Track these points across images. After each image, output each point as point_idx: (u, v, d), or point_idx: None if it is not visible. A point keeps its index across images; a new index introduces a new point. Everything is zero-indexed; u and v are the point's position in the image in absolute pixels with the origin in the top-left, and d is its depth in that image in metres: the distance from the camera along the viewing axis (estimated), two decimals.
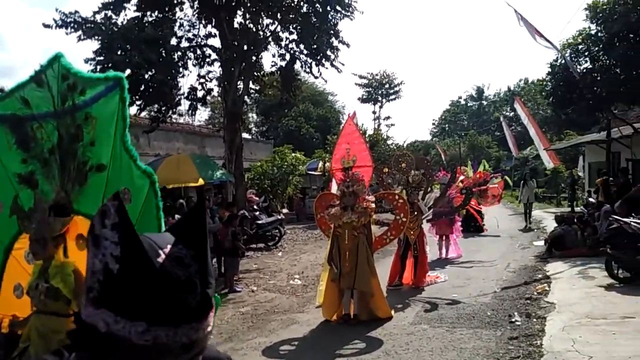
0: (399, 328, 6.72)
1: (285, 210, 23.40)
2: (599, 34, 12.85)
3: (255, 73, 15.90)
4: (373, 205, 7.15)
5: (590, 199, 15.21)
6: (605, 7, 12.36)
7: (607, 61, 13.02)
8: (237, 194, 14.96)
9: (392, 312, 7.27)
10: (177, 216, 10.30)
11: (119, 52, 13.18)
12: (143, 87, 13.78)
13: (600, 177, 15.92)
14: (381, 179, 9.90)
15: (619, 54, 12.15)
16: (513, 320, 6.73)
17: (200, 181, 12.84)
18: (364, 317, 7.03)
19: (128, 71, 13.33)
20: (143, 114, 16.68)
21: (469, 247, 12.84)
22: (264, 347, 6.25)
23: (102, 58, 13.14)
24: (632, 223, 8.22)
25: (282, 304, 8.48)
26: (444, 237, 12.20)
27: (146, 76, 13.60)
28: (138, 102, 14.06)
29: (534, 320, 6.68)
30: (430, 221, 10.66)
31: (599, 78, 13.08)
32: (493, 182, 18.25)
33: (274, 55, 16.00)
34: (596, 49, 13.09)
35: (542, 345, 5.57)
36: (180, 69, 14.67)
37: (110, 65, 13.07)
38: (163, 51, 13.79)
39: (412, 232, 9.17)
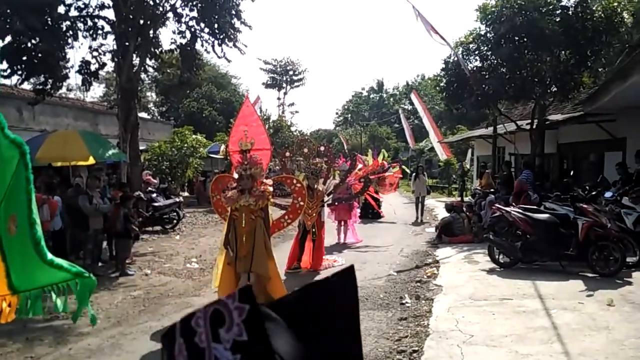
0: None
1: (185, 194, 22.75)
2: (488, 35, 13.60)
3: (152, 49, 15.14)
4: (271, 188, 7.11)
5: (477, 189, 16.24)
6: (493, 9, 13.10)
7: (495, 60, 13.83)
8: (132, 175, 14.26)
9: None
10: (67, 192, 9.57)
11: None
12: (26, 56, 12.63)
13: (483, 172, 17.24)
14: (283, 163, 9.89)
15: (505, 54, 12.94)
16: (404, 302, 7.03)
17: (91, 160, 12.08)
18: (261, 301, 6.81)
19: (8, 38, 12.18)
20: (27, 85, 15.35)
21: (367, 233, 13.25)
22: (154, 331, 6.02)
23: None
24: (512, 212, 8.87)
25: (177, 288, 8.22)
26: (342, 223, 12.46)
27: (29, 45, 12.48)
28: (19, 72, 12.85)
29: (423, 301, 7.01)
30: (329, 206, 10.74)
31: (487, 76, 13.86)
32: (391, 171, 18.96)
33: (173, 32, 15.35)
34: (485, 48, 13.84)
35: (428, 325, 5.85)
36: (69, 40, 13.61)
37: None
38: (49, 19, 12.71)
39: (309, 218, 9.26)
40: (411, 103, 44.08)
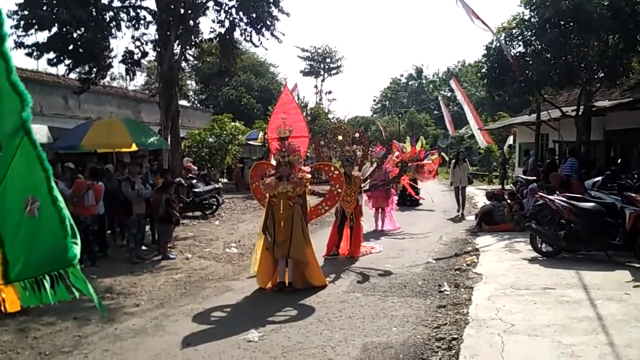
0: (332, 296, 6.79)
1: (224, 180, 23.08)
2: (532, 19, 13.19)
3: (192, 38, 15.33)
4: (308, 175, 7.18)
5: (519, 177, 15.88)
6: None
7: (539, 46, 13.41)
8: (173, 161, 14.53)
9: (327, 280, 7.37)
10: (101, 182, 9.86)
11: (44, 8, 12.32)
12: (72, 46, 12.98)
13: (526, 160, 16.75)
14: (318, 151, 9.88)
15: (549, 40, 12.52)
16: (442, 289, 6.96)
17: (134, 147, 12.37)
18: (299, 286, 7.07)
19: (55, 28, 12.52)
20: (72, 75, 15.77)
21: (405, 220, 13.15)
22: (195, 313, 6.15)
23: (26, 13, 12.27)
24: (556, 200, 8.64)
25: (217, 272, 8.37)
26: (380, 210, 12.35)
27: (75, 35, 12.80)
28: (66, 62, 13.24)
29: (462, 290, 6.92)
30: (366, 192, 10.68)
31: (530, 62, 13.47)
32: (429, 158, 18.74)
33: (213, 21, 15.54)
34: (529, 33, 13.43)
35: (468, 314, 5.77)
36: (113, 30, 13.90)
37: (34, 20, 12.23)
38: (93, 9, 13.00)
39: (348, 204, 9.26)
40: (451, 90, 43.35)
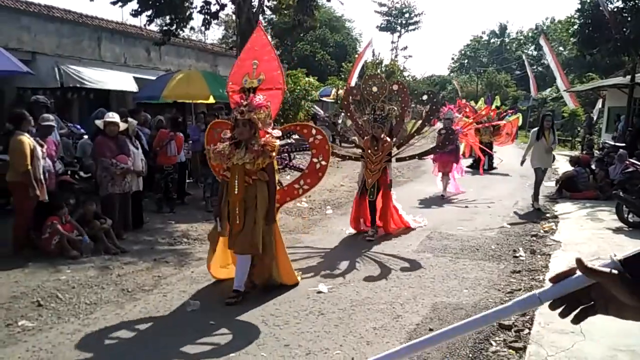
0: (402, 255, 6.74)
1: (296, 136, 23.26)
2: None
3: None
4: (277, 142, 5.07)
5: (606, 143, 14.91)
6: None
7: (638, 2, 12.32)
8: None
9: (299, 278, 5.67)
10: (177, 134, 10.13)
11: None
12: None
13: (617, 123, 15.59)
14: (346, 104, 8.35)
15: None
16: (517, 255, 6.73)
17: (211, 99, 12.63)
18: (260, 281, 5.37)
19: None
20: (154, 27, 16.21)
21: (478, 184, 12.75)
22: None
23: None
24: None
25: (288, 224, 8.52)
26: (445, 175, 11.26)
27: None
28: (148, 13, 13.59)
29: (539, 256, 6.66)
30: (421, 156, 8.55)
31: (629, 19, 12.42)
32: (508, 119, 17.87)
33: None
34: None
35: (544, 280, 5.56)
36: None
37: None
38: None
39: (370, 174, 7.63)
40: (536, 48, 40.94)
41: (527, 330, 4.30)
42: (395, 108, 8.09)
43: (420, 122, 8.38)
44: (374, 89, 8.03)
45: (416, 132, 8.28)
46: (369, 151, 7.64)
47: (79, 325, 4.43)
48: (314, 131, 5.87)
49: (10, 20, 12.99)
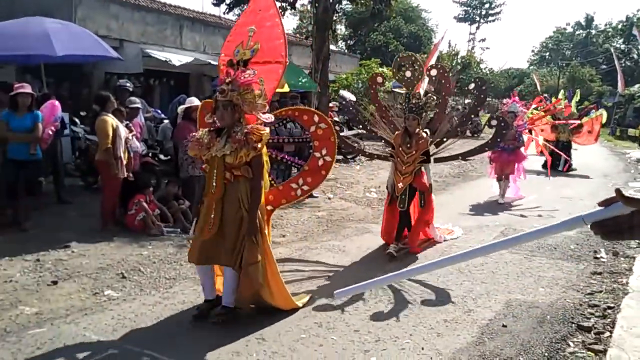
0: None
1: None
2: None
3: None
4: (266, 130, 4.03)
5: None
6: None
7: None
8: (320, 105, 14.87)
9: (300, 303, 4.52)
10: None
11: None
12: None
13: None
14: (374, 90, 7.30)
15: None
16: (598, 256, 6.41)
17: (286, 87, 12.82)
18: (245, 304, 4.34)
19: None
20: (232, 16, 16.64)
21: (556, 183, 12.15)
22: (337, 250, 6.39)
23: None
24: None
25: (357, 214, 8.55)
26: (503, 178, 9.85)
27: None
28: (227, 2, 13.97)
29: (622, 259, 6.33)
30: (480, 152, 7.16)
31: None
32: (591, 115, 16.76)
33: None
34: None
35: (627, 284, 5.28)
36: None
37: None
38: None
39: (401, 177, 6.19)
40: (625, 41, 38.44)
41: (607, 333, 4.11)
42: (434, 97, 6.58)
43: (466, 115, 7.22)
44: (407, 74, 6.65)
45: (458, 127, 6.93)
46: (400, 149, 6.21)
47: (159, 297, 4.68)
48: (316, 118, 4.69)
49: (100, 9, 13.74)
